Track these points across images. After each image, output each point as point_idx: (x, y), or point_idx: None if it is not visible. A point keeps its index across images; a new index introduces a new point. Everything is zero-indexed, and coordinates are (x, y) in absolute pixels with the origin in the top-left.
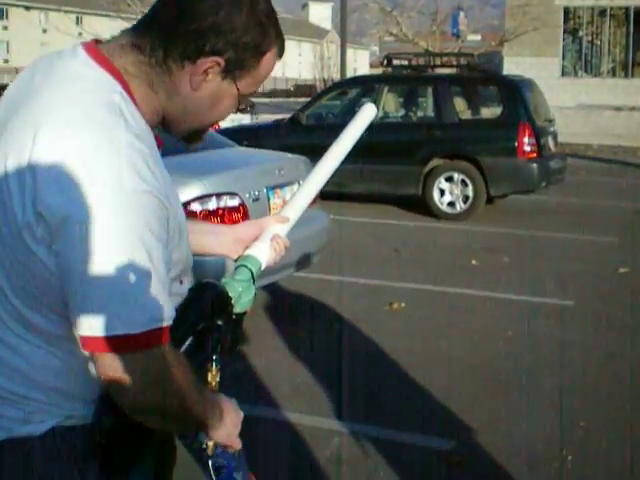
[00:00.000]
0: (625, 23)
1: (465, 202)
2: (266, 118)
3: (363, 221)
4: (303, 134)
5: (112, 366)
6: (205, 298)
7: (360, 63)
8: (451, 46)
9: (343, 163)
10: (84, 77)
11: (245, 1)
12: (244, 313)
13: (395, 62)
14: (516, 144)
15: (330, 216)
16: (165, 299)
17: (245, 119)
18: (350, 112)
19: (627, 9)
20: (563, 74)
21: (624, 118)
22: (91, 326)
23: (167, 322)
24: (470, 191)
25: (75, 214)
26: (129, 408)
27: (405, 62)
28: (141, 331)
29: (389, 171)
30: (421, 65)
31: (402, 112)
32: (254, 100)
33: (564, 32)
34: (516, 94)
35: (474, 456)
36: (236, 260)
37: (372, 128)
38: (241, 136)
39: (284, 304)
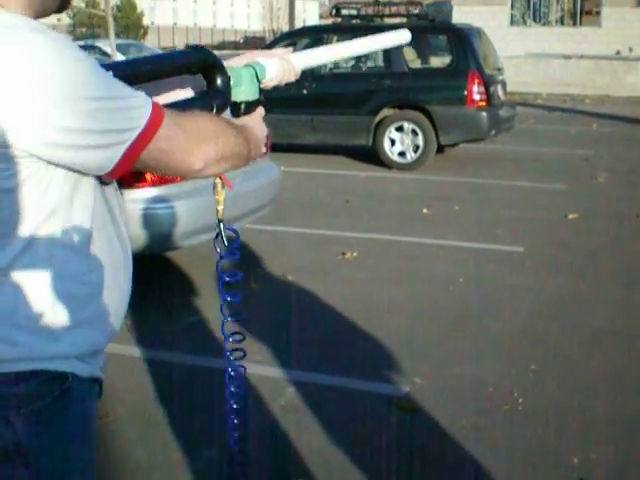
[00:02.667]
0: None
1: (416, 151)
2: None
3: (314, 172)
4: None
5: (156, 160)
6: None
7: (309, 14)
8: None
9: (293, 114)
10: None
11: None
12: (252, 102)
13: (344, 12)
14: (465, 93)
15: (281, 167)
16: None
17: None
18: None
19: None
20: (512, 23)
21: (572, 66)
22: (111, 156)
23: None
24: (420, 140)
25: None
26: (199, 172)
27: (354, 12)
28: (142, 125)
29: (339, 122)
30: (370, 15)
31: (352, 62)
32: None
33: None
34: (465, 43)
35: (426, 402)
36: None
37: (322, 78)
38: None
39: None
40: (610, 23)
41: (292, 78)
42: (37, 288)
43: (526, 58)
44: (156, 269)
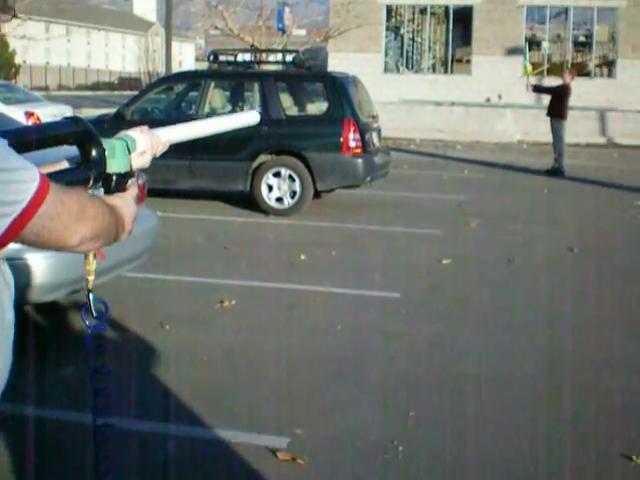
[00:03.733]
0: (445, 21)
1: (293, 197)
2: (89, 112)
3: (191, 218)
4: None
5: (36, 235)
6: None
7: (185, 56)
8: (277, 41)
9: (170, 158)
10: None
11: None
12: (124, 175)
13: (221, 58)
14: (341, 140)
15: (158, 214)
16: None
17: (68, 114)
18: (177, 108)
19: (447, 7)
20: (386, 70)
21: (444, 113)
22: None
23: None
24: (297, 186)
25: None
26: (73, 247)
27: (231, 58)
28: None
29: (217, 167)
30: (247, 62)
31: (229, 108)
32: (78, 92)
33: (386, 29)
34: (341, 91)
35: (307, 452)
36: None
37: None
38: None
39: (112, 306)
40: (480, 71)
41: (160, 149)
42: None
43: (399, 104)
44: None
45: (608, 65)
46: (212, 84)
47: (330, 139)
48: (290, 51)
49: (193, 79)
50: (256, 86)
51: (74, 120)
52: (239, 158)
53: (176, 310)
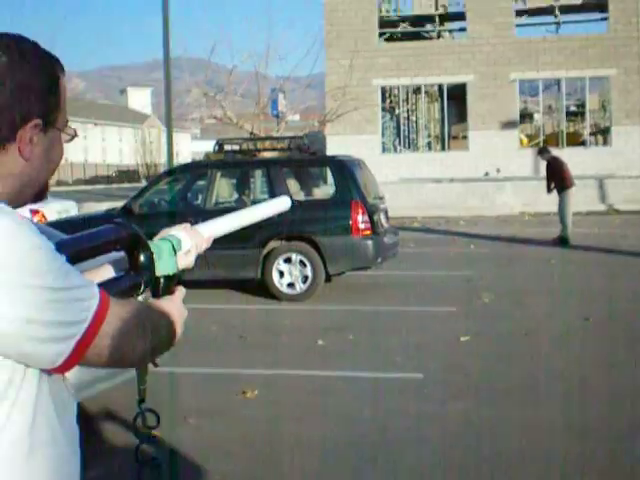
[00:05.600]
0: (439, 99)
1: (304, 282)
2: (92, 207)
3: (204, 307)
4: (136, 223)
5: (98, 355)
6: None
7: (182, 146)
8: (273, 127)
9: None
10: None
11: (14, 58)
12: (171, 277)
13: (227, 147)
14: (350, 222)
15: None
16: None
17: (73, 210)
18: (183, 199)
19: (440, 86)
20: (383, 150)
21: (444, 189)
22: (61, 350)
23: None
24: (309, 271)
25: None
26: (134, 364)
27: (236, 147)
28: (90, 318)
29: (227, 256)
30: (252, 149)
31: (236, 197)
32: (76, 187)
33: (382, 110)
34: (347, 174)
35: None
36: None
37: (208, 214)
38: (73, 229)
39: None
40: (477, 146)
41: (204, 246)
42: None
43: (399, 183)
44: None
45: (602, 133)
46: (218, 174)
47: (339, 222)
48: (294, 137)
49: (199, 169)
50: (262, 173)
51: (121, 225)
52: (249, 245)
53: (198, 403)
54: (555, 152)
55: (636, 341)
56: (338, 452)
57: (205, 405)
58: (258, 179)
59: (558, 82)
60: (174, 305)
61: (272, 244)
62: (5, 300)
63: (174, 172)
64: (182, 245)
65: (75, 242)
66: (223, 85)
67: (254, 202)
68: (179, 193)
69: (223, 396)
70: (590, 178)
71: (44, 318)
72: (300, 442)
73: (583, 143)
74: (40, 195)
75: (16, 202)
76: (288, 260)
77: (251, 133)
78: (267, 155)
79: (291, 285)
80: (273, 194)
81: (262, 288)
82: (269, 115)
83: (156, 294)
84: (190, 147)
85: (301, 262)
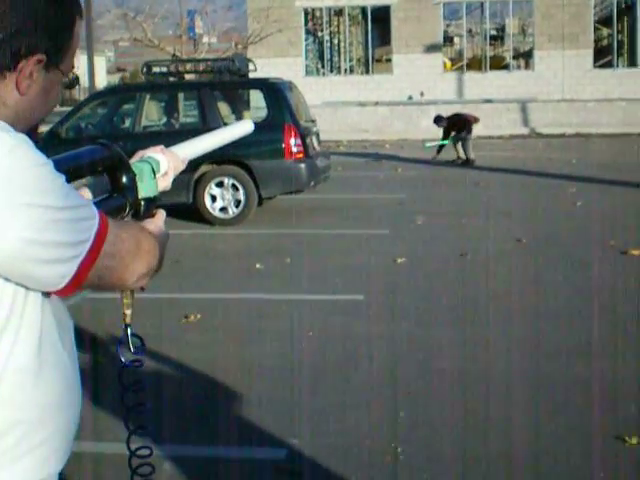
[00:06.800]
0: (363, 22)
1: (237, 206)
2: None
3: None
4: (64, 148)
5: (99, 277)
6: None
7: (96, 70)
8: (192, 50)
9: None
10: None
11: None
12: (152, 199)
13: (155, 69)
14: (283, 145)
15: None
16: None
17: None
18: (111, 123)
19: (364, 8)
20: (307, 73)
21: (369, 113)
22: (65, 271)
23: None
24: (241, 195)
25: None
26: (130, 285)
27: (165, 69)
28: (92, 238)
29: None
30: (182, 71)
31: (165, 120)
32: None
33: (306, 33)
34: (279, 96)
35: (308, 462)
36: None
37: (136, 137)
38: None
39: (77, 329)
40: (401, 69)
41: (181, 167)
42: None
43: (324, 107)
44: None
45: (524, 57)
46: (147, 96)
47: (272, 146)
48: (224, 59)
49: (127, 92)
50: (193, 96)
51: (105, 145)
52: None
53: (141, 329)
54: (477, 76)
55: (566, 261)
56: (285, 374)
57: (148, 331)
58: (188, 102)
59: (481, 5)
60: (156, 227)
61: (203, 168)
62: (6, 220)
63: (101, 95)
64: (160, 167)
65: (64, 161)
66: (141, 7)
67: (184, 125)
68: (106, 117)
69: (166, 321)
70: (513, 102)
71: (47, 238)
72: (248, 364)
73: (506, 67)
74: (29, 135)
75: (19, 123)
76: (220, 184)
77: (173, 55)
78: (193, 78)
79: (224, 209)
80: (203, 118)
81: (194, 212)
82: (189, 38)
83: (138, 217)
84: (104, 71)
85: (233, 186)
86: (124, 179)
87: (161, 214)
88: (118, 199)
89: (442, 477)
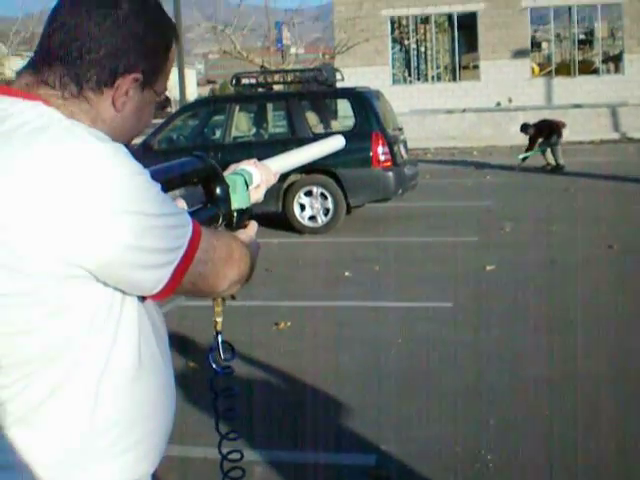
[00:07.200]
0: (449, 29)
1: (326, 215)
2: None
3: None
4: (156, 159)
5: (192, 283)
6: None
7: (187, 82)
8: (280, 61)
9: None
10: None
11: (135, 8)
12: (245, 211)
13: (244, 81)
14: (371, 154)
15: None
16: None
17: None
18: (201, 134)
19: (450, 15)
20: (394, 82)
21: (456, 120)
22: (160, 276)
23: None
24: (330, 203)
25: None
26: (221, 293)
27: (253, 81)
28: (186, 245)
29: None
30: (269, 82)
31: (254, 131)
32: None
33: (392, 41)
34: (366, 105)
35: (398, 468)
36: None
37: (226, 148)
38: None
39: (170, 335)
40: (488, 76)
41: (273, 180)
42: (79, 418)
43: (411, 115)
44: None
45: (613, 61)
46: (237, 108)
47: (360, 154)
48: (312, 70)
49: (217, 104)
50: (281, 106)
51: (199, 157)
52: None
53: (233, 336)
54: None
55: None
56: (375, 380)
57: (240, 338)
58: (276, 112)
59: (569, 9)
60: (248, 237)
61: (292, 177)
62: (106, 226)
63: (192, 107)
64: (253, 179)
65: (160, 172)
66: (229, 20)
67: (273, 135)
68: (197, 128)
69: (256, 328)
70: (603, 106)
71: (144, 244)
72: (339, 372)
73: (595, 71)
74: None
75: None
76: (309, 193)
77: (262, 67)
78: (281, 89)
79: (312, 218)
80: (292, 128)
81: (284, 221)
82: (276, 49)
83: (230, 228)
84: (195, 83)
85: (322, 195)
86: (218, 190)
87: (253, 225)
88: (212, 210)
89: None
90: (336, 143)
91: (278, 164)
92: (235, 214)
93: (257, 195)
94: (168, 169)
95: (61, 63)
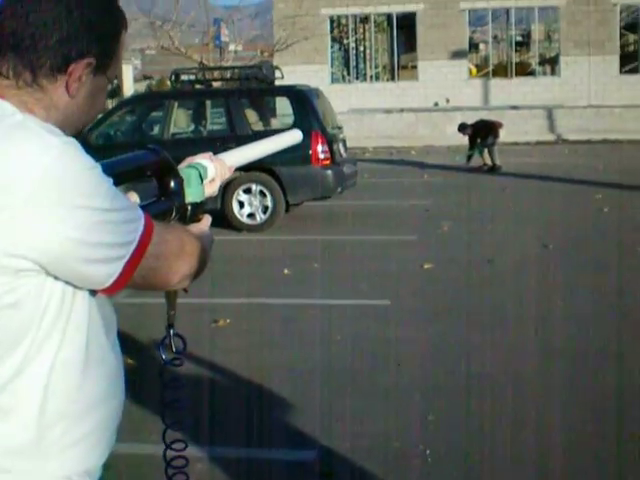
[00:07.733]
0: (388, 29)
1: (265, 212)
2: None
3: None
4: (92, 155)
5: (143, 277)
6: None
7: (124, 78)
8: (218, 58)
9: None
10: None
11: None
12: (198, 204)
13: (183, 77)
14: (310, 152)
15: None
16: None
17: None
18: (139, 130)
19: (390, 15)
20: (333, 81)
21: (394, 120)
22: (111, 271)
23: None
24: (269, 201)
25: None
26: (173, 287)
27: (193, 77)
28: (137, 240)
29: None
30: (209, 79)
31: (193, 127)
32: None
33: (331, 40)
34: (306, 103)
35: (337, 464)
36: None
37: (164, 144)
38: None
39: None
40: (427, 76)
41: (228, 174)
42: (29, 411)
43: (350, 114)
44: None
45: (550, 63)
46: (175, 104)
47: (299, 152)
48: (251, 67)
49: (156, 100)
50: (221, 103)
51: (154, 150)
52: None
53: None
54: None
55: (593, 267)
56: (316, 377)
57: (182, 334)
58: (215, 109)
59: (507, 11)
60: (201, 231)
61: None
62: (57, 221)
63: (130, 103)
64: (208, 173)
65: (113, 165)
66: (167, 15)
67: (212, 132)
68: (135, 124)
69: (195, 325)
70: (539, 108)
71: (94, 239)
72: (278, 369)
73: (532, 73)
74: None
75: (68, 128)
76: (248, 190)
77: (200, 63)
78: (221, 85)
79: (251, 215)
80: (231, 125)
81: (222, 219)
82: (215, 46)
83: (184, 222)
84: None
85: (261, 192)
86: (172, 184)
87: (207, 219)
88: (165, 203)
89: (470, 479)
90: (293, 138)
91: (234, 158)
92: (189, 208)
93: (211, 189)
94: (121, 162)
95: (13, 52)
